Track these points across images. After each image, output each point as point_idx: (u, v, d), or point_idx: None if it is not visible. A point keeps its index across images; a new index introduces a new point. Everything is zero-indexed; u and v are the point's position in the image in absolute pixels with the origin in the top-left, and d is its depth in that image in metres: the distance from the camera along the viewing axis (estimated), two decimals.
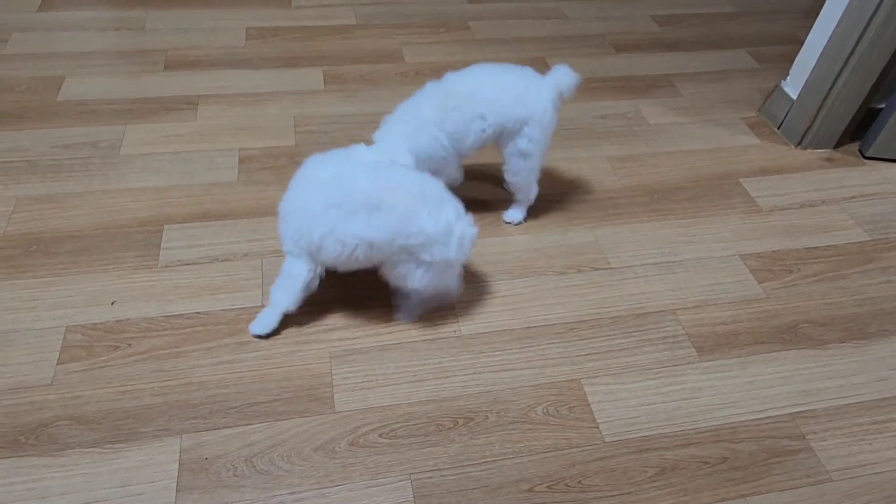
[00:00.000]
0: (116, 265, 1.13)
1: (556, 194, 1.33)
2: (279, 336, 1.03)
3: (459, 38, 1.83)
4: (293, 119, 1.49)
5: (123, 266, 1.13)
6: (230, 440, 0.90)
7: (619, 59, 1.79)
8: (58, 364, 0.98)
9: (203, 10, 1.88)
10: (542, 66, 1.72)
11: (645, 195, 1.35)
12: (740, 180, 1.40)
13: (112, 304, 1.07)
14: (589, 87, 1.66)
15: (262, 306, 1.06)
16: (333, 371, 1.00)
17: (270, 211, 1.25)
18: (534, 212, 1.28)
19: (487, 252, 1.20)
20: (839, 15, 1.36)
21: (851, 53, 1.35)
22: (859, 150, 1.50)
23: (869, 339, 1.09)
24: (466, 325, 1.08)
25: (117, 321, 1.04)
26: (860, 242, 1.27)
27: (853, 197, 1.38)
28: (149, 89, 1.56)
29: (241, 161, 1.37)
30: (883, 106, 1.45)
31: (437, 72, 1.67)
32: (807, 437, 0.95)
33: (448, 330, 1.07)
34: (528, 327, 1.08)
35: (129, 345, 1.01)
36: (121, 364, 0.98)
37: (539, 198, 1.25)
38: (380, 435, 0.92)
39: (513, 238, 1.24)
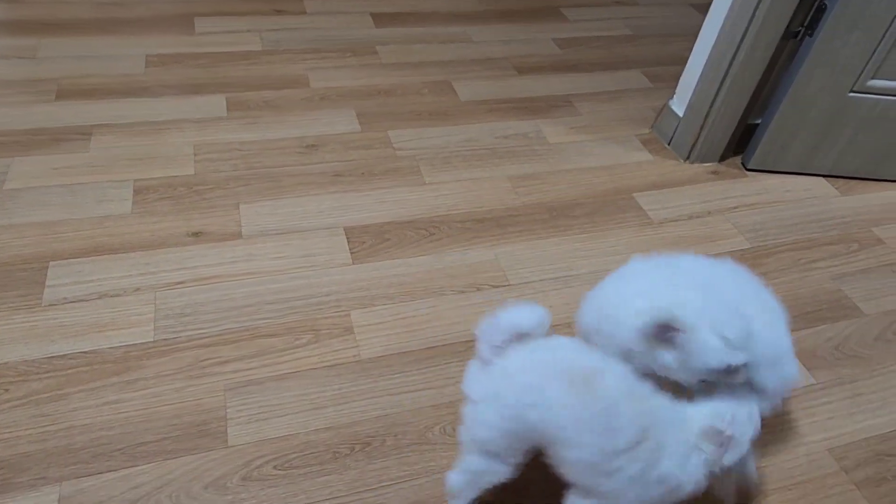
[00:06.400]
0: None
1: (458, 214, 1.36)
2: (169, 372, 1.00)
3: (366, 63, 1.85)
4: (193, 147, 1.46)
5: (2, 307, 1.07)
6: (114, 484, 0.87)
7: (522, 80, 1.85)
8: None
9: (101, 38, 1.82)
10: (447, 89, 1.77)
11: (544, 212, 1.40)
12: (634, 195, 1.47)
13: None
14: (492, 109, 1.71)
15: (153, 342, 1.03)
16: (228, 404, 0.98)
17: (167, 242, 1.22)
18: (436, 232, 1.30)
19: (389, 274, 1.21)
20: (714, 38, 1.45)
21: (726, 74, 1.44)
22: (742, 163, 1.60)
23: None
24: (366, 349, 1.08)
25: None
26: (742, 250, 1.35)
27: (736, 207, 1.46)
28: (39, 120, 1.49)
29: (136, 192, 1.33)
30: (759, 121, 1.56)
31: (343, 96, 1.70)
32: None
33: (348, 355, 1.07)
34: (429, 347, 1.09)
35: (7, 390, 0.96)
36: None
37: (440, 219, 1.27)
38: (274, 467, 0.91)
39: (415, 259, 1.25)
